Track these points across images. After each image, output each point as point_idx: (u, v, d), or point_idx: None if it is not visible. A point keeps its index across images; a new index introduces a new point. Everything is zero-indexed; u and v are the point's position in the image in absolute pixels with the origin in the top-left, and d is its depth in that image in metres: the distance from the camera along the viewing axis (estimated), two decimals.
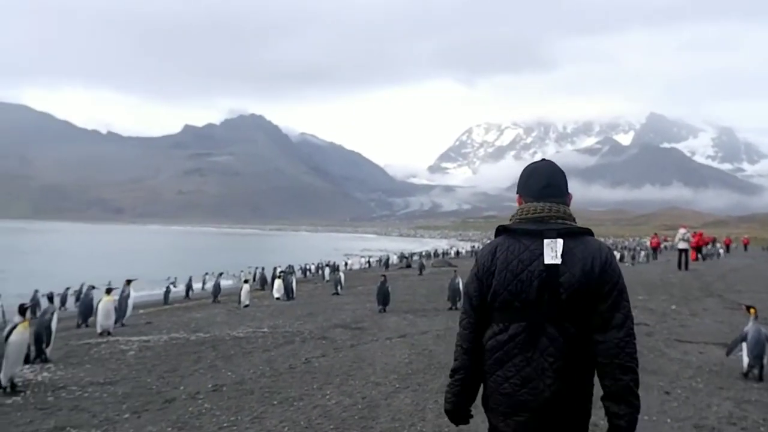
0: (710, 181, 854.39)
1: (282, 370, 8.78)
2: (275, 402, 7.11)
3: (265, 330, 12.75)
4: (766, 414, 6.58)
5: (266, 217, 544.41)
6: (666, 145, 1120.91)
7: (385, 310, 15.61)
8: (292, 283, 20.40)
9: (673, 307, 15.03)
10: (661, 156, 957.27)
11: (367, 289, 21.43)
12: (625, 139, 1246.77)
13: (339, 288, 21.08)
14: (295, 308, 17.16)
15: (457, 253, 60.18)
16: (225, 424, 6.36)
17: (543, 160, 3.18)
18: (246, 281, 20.43)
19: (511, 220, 3.00)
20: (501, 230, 2.97)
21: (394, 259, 51.33)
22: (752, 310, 8.64)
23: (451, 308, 15.69)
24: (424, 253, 58.81)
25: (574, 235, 2.84)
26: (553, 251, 2.77)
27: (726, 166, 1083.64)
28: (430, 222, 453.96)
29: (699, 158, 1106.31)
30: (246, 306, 18.27)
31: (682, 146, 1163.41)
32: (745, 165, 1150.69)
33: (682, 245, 29.52)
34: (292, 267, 37.16)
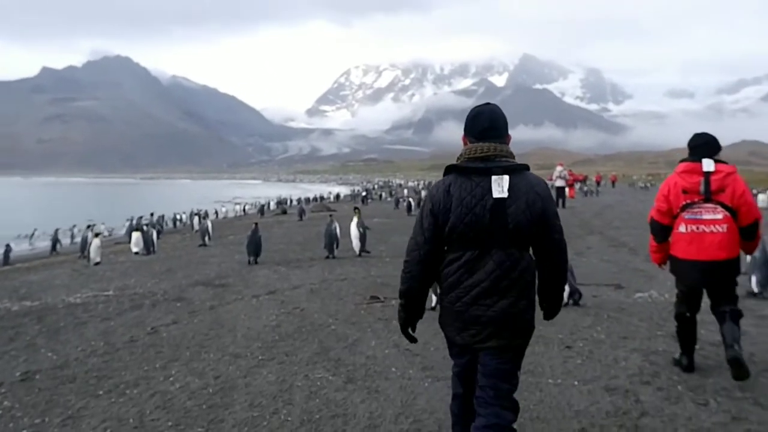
0: (579, 121, 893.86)
1: (119, 344, 7.19)
2: (101, 391, 5.57)
3: (110, 293, 10.97)
4: (679, 370, 5.72)
5: (138, 166, 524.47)
6: (538, 86, 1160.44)
7: (256, 262, 14.26)
8: (152, 235, 18.48)
9: None
10: (534, 97, 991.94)
11: (239, 238, 19.77)
12: (499, 81, 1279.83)
13: (207, 239, 19.37)
14: (153, 264, 15.35)
15: (337, 197, 58.98)
16: (24, 430, 4.82)
17: (487, 104, 3.48)
18: (97, 234, 18.27)
19: (458, 159, 3.35)
20: (451, 169, 3.31)
21: (272, 205, 49.59)
22: None
23: (327, 257, 14.46)
24: (303, 199, 57.16)
25: (517, 171, 3.24)
26: (500, 186, 3.17)
27: (593, 107, 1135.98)
28: (309, 167, 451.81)
29: (569, 99, 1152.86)
30: (97, 264, 16.27)
31: (553, 87, 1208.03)
32: (611, 105, 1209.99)
33: (559, 183, 29.57)
34: (161, 217, 34.86)
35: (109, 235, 33.34)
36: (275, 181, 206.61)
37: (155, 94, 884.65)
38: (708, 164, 5.34)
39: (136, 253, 18.55)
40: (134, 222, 32.58)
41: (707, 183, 5.28)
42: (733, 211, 5.24)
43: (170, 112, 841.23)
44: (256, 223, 15.91)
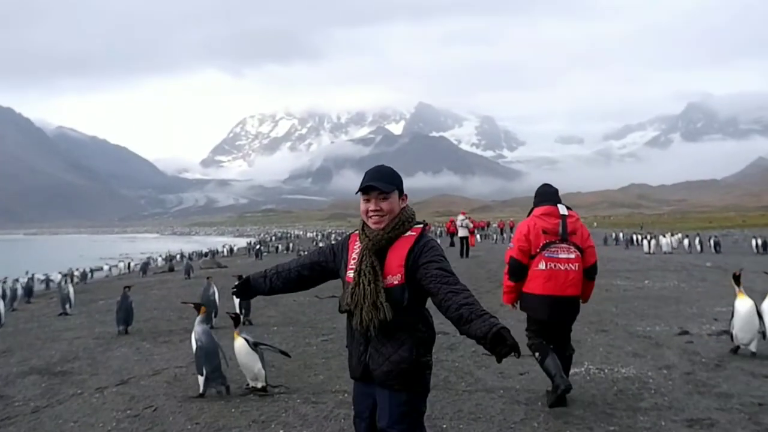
0: (476, 167, 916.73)
1: None
2: None
3: None
4: None
5: (21, 221, 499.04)
6: (435, 133, 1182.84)
7: (126, 332, 12.21)
8: None
9: None
10: (431, 144, 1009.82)
11: (110, 304, 17.19)
12: (396, 129, 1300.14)
13: (68, 306, 16.74)
14: None
15: (231, 250, 55.99)
16: None
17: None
18: None
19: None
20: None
21: (159, 261, 46.34)
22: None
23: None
24: (194, 253, 53.83)
25: None
26: None
27: (489, 153, 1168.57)
28: (206, 218, 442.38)
29: (465, 146, 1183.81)
30: None
31: (449, 135, 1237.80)
32: (506, 152, 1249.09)
33: (462, 232, 28.58)
34: (30, 278, 31.33)
35: None
36: (170, 234, 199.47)
37: (40, 146, 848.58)
38: (563, 209, 5.99)
39: None
40: (2, 283, 29.21)
41: (564, 225, 5.84)
42: (581, 252, 5.86)
43: (56, 164, 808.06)
44: (127, 287, 13.72)
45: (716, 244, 34.56)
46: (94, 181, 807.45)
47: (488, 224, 56.16)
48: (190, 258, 46.56)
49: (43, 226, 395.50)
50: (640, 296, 14.72)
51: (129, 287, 13.75)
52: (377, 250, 3.33)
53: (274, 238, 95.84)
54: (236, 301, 12.79)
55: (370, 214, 3.38)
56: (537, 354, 6.13)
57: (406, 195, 3.48)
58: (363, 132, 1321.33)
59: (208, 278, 13.36)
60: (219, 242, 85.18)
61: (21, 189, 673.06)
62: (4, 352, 11.15)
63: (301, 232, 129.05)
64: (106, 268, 43.72)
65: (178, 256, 49.54)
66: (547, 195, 6.17)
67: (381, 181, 3.37)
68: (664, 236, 35.98)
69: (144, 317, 14.74)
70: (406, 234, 3.37)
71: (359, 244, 3.43)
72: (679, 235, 40.28)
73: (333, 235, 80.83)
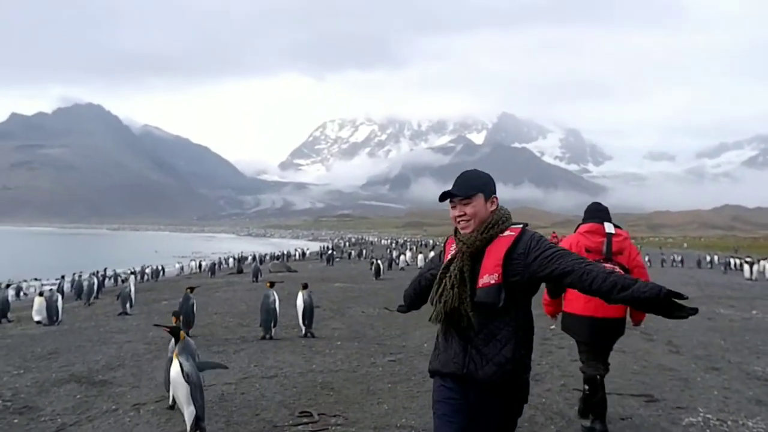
0: (559, 181, 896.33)
1: None
2: None
3: None
4: None
5: (105, 216, 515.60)
6: (517, 144, 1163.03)
7: (188, 334, 11.10)
8: (57, 301, 15.20)
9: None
10: (513, 155, 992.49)
11: (172, 305, 16.64)
12: (478, 138, 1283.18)
13: (129, 305, 16.19)
14: (42, 340, 12.16)
15: (303, 254, 55.61)
16: None
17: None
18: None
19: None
20: None
21: (231, 261, 46.31)
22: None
23: (263, 337, 11.44)
24: (266, 255, 53.56)
25: None
26: None
27: (573, 167, 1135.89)
28: (282, 221, 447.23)
29: (548, 158, 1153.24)
30: None
31: (532, 146, 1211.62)
32: (591, 166, 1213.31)
33: None
34: (102, 274, 31.38)
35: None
36: (245, 235, 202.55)
37: (126, 143, 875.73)
38: (609, 227, 5.77)
39: (38, 322, 15.33)
40: (77, 277, 29.35)
41: (609, 244, 5.62)
42: (627, 272, 5.32)
43: (141, 161, 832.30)
44: (189, 288, 13.13)
45: None
46: (176, 179, 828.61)
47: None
48: (260, 260, 46.37)
49: (125, 221, 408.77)
50: (750, 328, 13.13)
51: (192, 288, 13.14)
52: (472, 253, 3.24)
53: (348, 243, 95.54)
54: (299, 308, 11.88)
55: (457, 219, 3.35)
56: (587, 387, 5.88)
57: (496, 197, 3.37)
58: (443, 140, 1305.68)
59: (270, 283, 12.36)
60: (293, 245, 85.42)
61: (106, 184, 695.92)
62: (50, 354, 10.49)
63: (375, 239, 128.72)
64: (177, 266, 43.89)
65: (249, 258, 49.43)
66: (594, 212, 5.98)
67: (459, 187, 3.34)
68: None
69: (203, 321, 14.04)
70: (504, 234, 3.27)
71: (455, 246, 3.37)
72: None
73: (408, 243, 79.84)
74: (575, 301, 5.65)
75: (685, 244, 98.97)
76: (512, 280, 3.15)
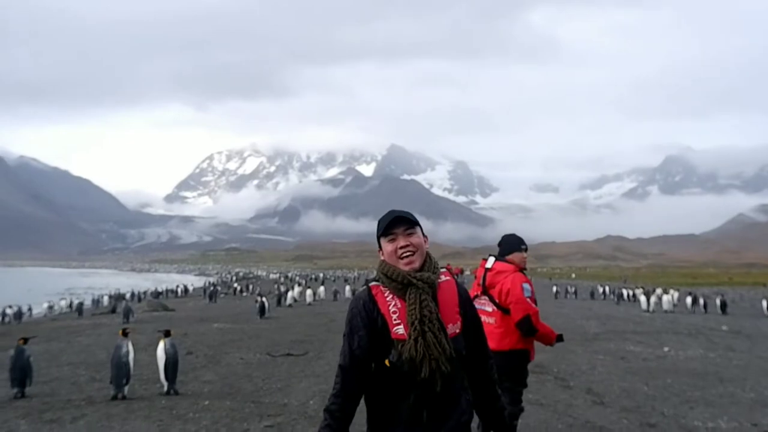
0: (448, 213, 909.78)
1: None
2: None
3: None
4: None
5: None
6: (406, 176, 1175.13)
7: (23, 395, 9.86)
8: None
9: None
10: (403, 187, 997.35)
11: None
12: (367, 170, 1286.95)
13: None
14: None
15: (185, 291, 52.31)
16: None
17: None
18: None
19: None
20: None
21: (106, 299, 42.83)
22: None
23: (115, 396, 9.42)
24: (144, 292, 49.85)
25: None
26: None
27: (461, 199, 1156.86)
28: (167, 255, 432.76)
29: (437, 190, 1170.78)
30: None
31: (421, 178, 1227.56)
32: (479, 198, 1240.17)
33: None
34: None
35: None
36: (128, 270, 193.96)
37: (0, 175, 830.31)
38: (490, 261, 5.81)
39: None
40: None
41: (484, 278, 5.74)
42: (501, 307, 5.55)
43: (16, 194, 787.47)
44: (24, 338, 11.11)
45: (723, 303, 31.86)
46: (55, 213, 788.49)
47: (462, 271, 54.08)
48: (138, 298, 43.10)
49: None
50: (669, 369, 12.17)
51: (26, 339, 11.18)
52: (434, 295, 2.95)
53: (235, 278, 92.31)
54: (160, 363, 9.94)
55: (401, 252, 2.96)
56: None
57: (426, 236, 3.11)
58: (333, 172, 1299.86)
59: (123, 331, 10.34)
60: (177, 281, 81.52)
61: None
62: None
63: (264, 273, 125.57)
64: (45, 306, 40.08)
65: (128, 295, 45.99)
66: (498, 246, 6.01)
67: (405, 215, 3.03)
68: (666, 293, 33.67)
69: (50, 375, 12.01)
70: (441, 279, 3.02)
71: (390, 295, 2.94)
72: (676, 292, 38.15)
73: (297, 278, 77.65)
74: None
75: (574, 275, 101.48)
76: (467, 329, 2.96)
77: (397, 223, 2.98)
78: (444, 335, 2.81)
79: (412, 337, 2.80)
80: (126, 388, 9.56)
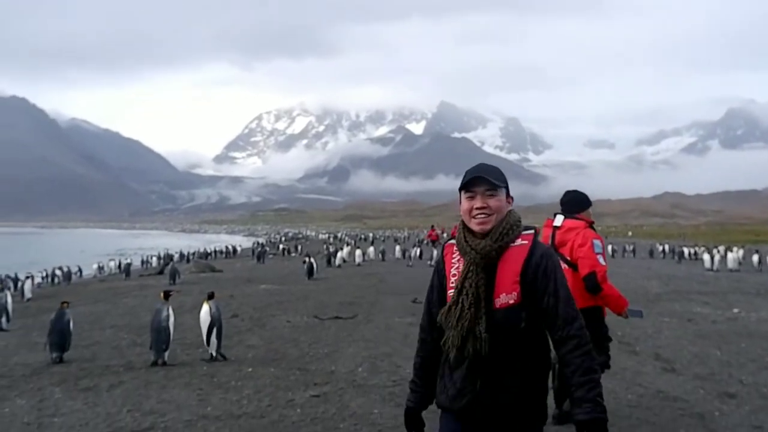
0: None
1: None
2: None
3: None
4: None
5: (31, 213, 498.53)
6: (457, 134, 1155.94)
7: (62, 359, 9.48)
8: None
9: None
10: (453, 146, 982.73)
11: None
12: (417, 129, 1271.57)
13: (4, 319, 13.54)
14: None
15: (234, 251, 52.27)
16: None
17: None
18: None
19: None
20: None
21: (154, 261, 43.19)
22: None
23: (155, 362, 9.03)
24: (191, 254, 49.89)
25: None
26: None
27: (513, 156, 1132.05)
28: (217, 216, 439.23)
29: (488, 148, 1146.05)
30: None
31: (472, 136, 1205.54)
32: (531, 155, 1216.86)
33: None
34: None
35: None
36: (178, 231, 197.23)
37: (53, 137, 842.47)
38: (558, 219, 5.74)
39: None
40: None
41: (553, 237, 5.64)
42: (573, 265, 5.43)
43: (68, 156, 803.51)
44: (64, 302, 10.67)
45: None
46: (106, 174, 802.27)
47: None
48: (187, 258, 43.23)
49: (52, 219, 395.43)
50: (741, 332, 11.33)
51: (67, 303, 10.75)
52: (486, 264, 2.79)
53: (284, 238, 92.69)
54: (204, 327, 9.49)
55: (475, 212, 2.83)
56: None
57: (512, 197, 2.97)
58: (382, 131, 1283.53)
59: (165, 294, 9.91)
60: (226, 241, 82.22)
61: (32, 180, 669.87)
62: None
63: (313, 233, 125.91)
64: (95, 267, 40.55)
65: (176, 256, 46.26)
66: (561, 204, 5.92)
67: (488, 174, 2.86)
68: (731, 251, 32.47)
69: (91, 339, 11.73)
70: (516, 243, 2.83)
71: (457, 256, 2.89)
72: (741, 250, 36.74)
73: (346, 238, 77.52)
74: None
75: (630, 233, 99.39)
76: (532, 299, 2.75)
77: (478, 182, 2.82)
78: (475, 311, 2.70)
79: (447, 305, 2.79)
80: (166, 354, 9.14)
